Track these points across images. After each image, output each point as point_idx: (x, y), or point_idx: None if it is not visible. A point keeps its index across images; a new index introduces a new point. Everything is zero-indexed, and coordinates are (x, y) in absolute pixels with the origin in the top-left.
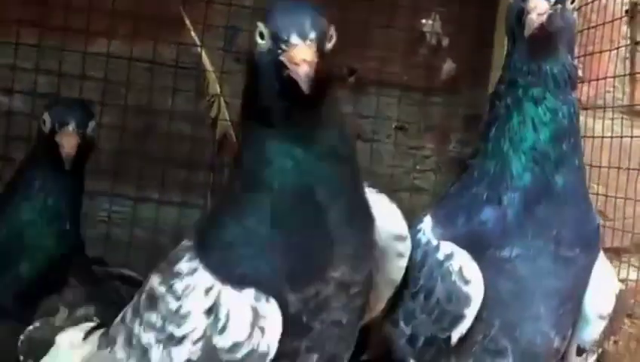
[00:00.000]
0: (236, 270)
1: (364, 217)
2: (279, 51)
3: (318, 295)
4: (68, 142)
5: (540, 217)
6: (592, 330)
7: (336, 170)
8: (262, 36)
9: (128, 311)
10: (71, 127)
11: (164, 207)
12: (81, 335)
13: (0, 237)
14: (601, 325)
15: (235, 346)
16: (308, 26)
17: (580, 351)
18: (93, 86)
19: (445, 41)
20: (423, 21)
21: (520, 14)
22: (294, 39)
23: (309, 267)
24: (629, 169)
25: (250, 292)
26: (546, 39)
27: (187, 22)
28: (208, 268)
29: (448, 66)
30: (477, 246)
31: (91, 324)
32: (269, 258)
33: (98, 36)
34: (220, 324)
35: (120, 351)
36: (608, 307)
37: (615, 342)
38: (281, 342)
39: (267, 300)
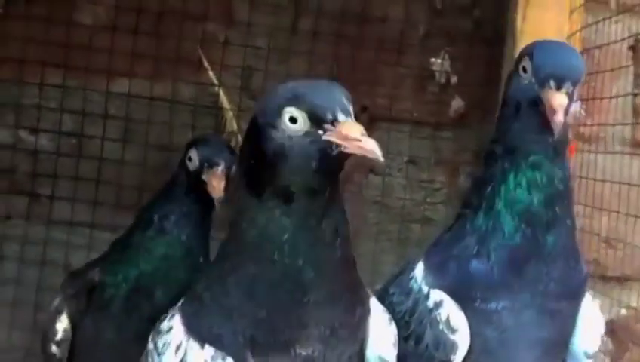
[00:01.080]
0: (204, 326)
1: (354, 303)
2: (321, 132)
3: None
4: (219, 184)
5: (527, 274)
6: None
7: (334, 252)
8: (294, 120)
9: None
10: (221, 168)
11: None
12: None
13: (134, 270)
14: None
15: None
16: (347, 102)
17: None
18: (115, 124)
19: (454, 79)
20: (432, 60)
21: (535, 101)
22: (341, 117)
23: (274, 340)
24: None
25: (209, 351)
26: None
27: (205, 62)
28: (184, 322)
29: (457, 103)
30: (465, 297)
31: None
32: (234, 322)
33: (119, 76)
34: None
35: None
36: (595, 345)
37: None
38: None
39: (224, 359)
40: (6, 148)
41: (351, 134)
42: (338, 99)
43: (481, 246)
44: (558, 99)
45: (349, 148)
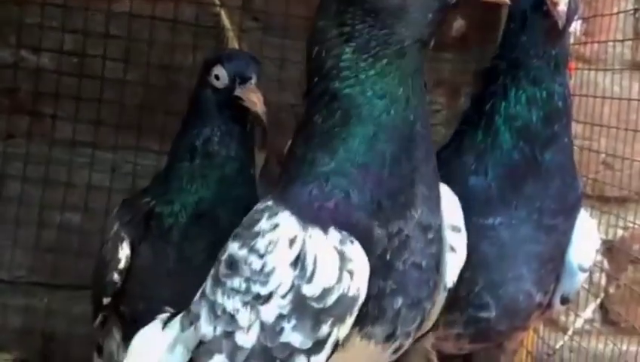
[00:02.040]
0: (326, 204)
1: (434, 158)
2: None
3: (401, 232)
4: (258, 98)
5: (524, 191)
6: (575, 282)
7: (426, 104)
8: None
9: (207, 284)
10: (254, 81)
11: None
12: (160, 325)
13: (193, 197)
14: (583, 276)
15: (325, 292)
16: None
17: (564, 301)
18: (116, 43)
19: None
20: None
21: (538, 2)
22: None
23: (395, 203)
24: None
25: (335, 236)
26: (564, 27)
27: None
28: (293, 209)
29: (458, 24)
30: (465, 211)
31: (167, 314)
32: (362, 190)
33: None
34: (308, 273)
35: (205, 325)
36: (589, 260)
37: (618, 286)
38: (368, 283)
39: (352, 242)
40: (8, 68)
41: None
42: None
43: (479, 163)
44: None
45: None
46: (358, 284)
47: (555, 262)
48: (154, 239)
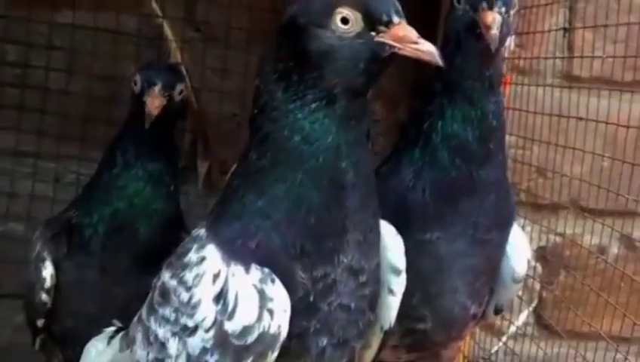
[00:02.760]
0: (249, 243)
1: (375, 205)
2: (373, 33)
3: (327, 277)
4: (152, 103)
5: (460, 207)
6: (508, 293)
7: (366, 152)
8: (346, 21)
9: (144, 308)
10: (157, 88)
11: None
12: (105, 340)
13: (109, 208)
14: (516, 287)
15: (246, 330)
16: (399, 5)
17: (498, 311)
18: (59, 55)
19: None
20: None
21: (472, 25)
22: (396, 19)
23: (321, 249)
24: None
25: (256, 274)
26: (497, 50)
27: None
28: (219, 244)
29: None
30: (402, 227)
31: (113, 328)
32: (284, 234)
33: (63, 7)
34: (229, 309)
35: (139, 350)
36: (522, 271)
37: (552, 292)
38: (290, 321)
39: (273, 282)
40: None
41: (407, 36)
42: (391, 2)
43: (417, 180)
44: (490, 16)
45: (405, 50)
46: (278, 322)
47: (489, 275)
48: (76, 253)
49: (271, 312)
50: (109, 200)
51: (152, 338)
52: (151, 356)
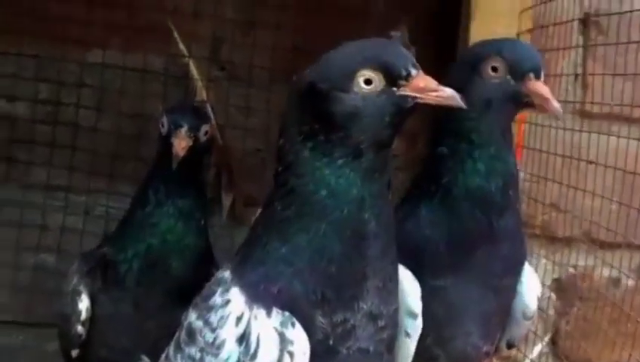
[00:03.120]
0: (271, 288)
1: (394, 253)
2: (395, 88)
3: (346, 322)
4: (179, 145)
5: (476, 255)
6: (520, 329)
7: (387, 203)
8: (369, 82)
9: (171, 346)
10: (184, 130)
11: None
12: None
13: (143, 245)
14: (528, 324)
15: None
16: (413, 57)
17: (510, 346)
18: (89, 93)
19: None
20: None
21: (515, 95)
22: (414, 72)
23: (342, 296)
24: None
25: (277, 317)
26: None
27: (175, 33)
28: (243, 287)
29: None
30: (416, 272)
31: None
32: (306, 281)
33: (93, 46)
34: (252, 350)
35: None
36: (532, 308)
37: (567, 322)
38: None
39: (293, 326)
40: None
41: (428, 86)
42: (407, 55)
43: (434, 229)
44: (543, 87)
45: (427, 99)
46: None
47: (502, 316)
48: (111, 287)
49: (291, 354)
50: (143, 237)
51: None
52: None
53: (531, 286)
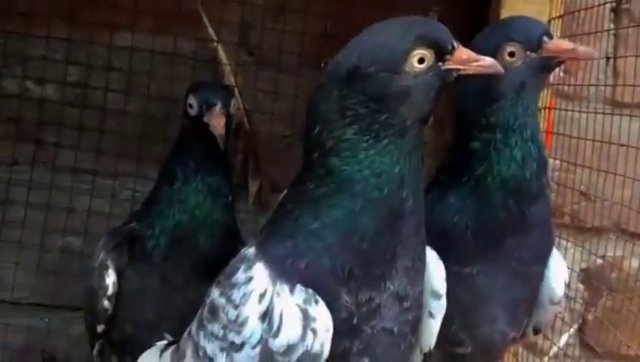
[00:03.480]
0: (298, 262)
1: (424, 231)
2: (441, 63)
3: (371, 301)
4: (218, 123)
5: (505, 243)
6: (546, 314)
7: (421, 177)
8: (422, 60)
9: (194, 324)
10: (218, 107)
11: None
12: (157, 353)
13: (171, 221)
14: (554, 309)
15: (290, 348)
16: None
17: (537, 331)
18: (118, 76)
19: None
20: None
21: (545, 62)
22: (455, 45)
23: (369, 274)
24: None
25: (300, 294)
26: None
27: (204, 18)
28: (267, 262)
29: None
30: (444, 259)
31: (165, 342)
32: (335, 256)
33: (122, 30)
34: (275, 327)
35: None
36: (559, 293)
37: (595, 312)
38: (332, 341)
39: (317, 303)
40: (14, 98)
41: (471, 57)
42: (446, 29)
43: (462, 216)
44: (563, 42)
45: (470, 70)
46: (321, 341)
47: (528, 302)
48: (138, 262)
49: (314, 331)
50: (171, 214)
51: (201, 353)
52: None
53: (558, 271)
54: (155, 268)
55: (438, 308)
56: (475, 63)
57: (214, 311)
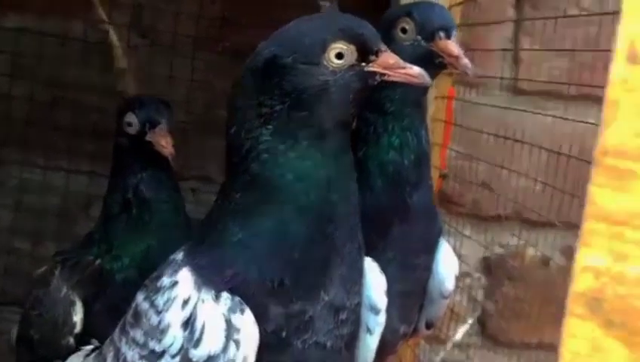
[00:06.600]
0: (225, 270)
1: (361, 238)
2: (364, 64)
3: (303, 314)
4: (167, 142)
5: (391, 233)
6: (437, 308)
7: (354, 182)
8: (340, 56)
9: (117, 328)
10: (163, 125)
11: (73, 176)
12: (81, 358)
13: (140, 246)
14: (445, 302)
15: (210, 359)
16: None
17: (429, 326)
18: (3, 58)
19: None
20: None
21: (427, 56)
22: (383, 47)
23: (301, 285)
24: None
25: (225, 303)
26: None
27: None
28: (194, 268)
29: None
30: None
31: (91, 347)
32: (263, 266)
33: (9, 11)
34: (196, 336)
35: None
36: (450, 287)
37: (496, 302)
38: (258, 355)
39: (242, 312)
40: None
41: (397, 63)
42: (376, 31)
43: None
44: (453, 46)
45: (394, 76)
46: (244, 354)
47: (418, 295)
48: (107, 297)
49: (237, 343)
50: (138, 239)
51: (121, 359)
52: None
53: (448, 264)
54: (127, 301)
55: (375, 323)
56: (401, 70)
57: (137, 316)
